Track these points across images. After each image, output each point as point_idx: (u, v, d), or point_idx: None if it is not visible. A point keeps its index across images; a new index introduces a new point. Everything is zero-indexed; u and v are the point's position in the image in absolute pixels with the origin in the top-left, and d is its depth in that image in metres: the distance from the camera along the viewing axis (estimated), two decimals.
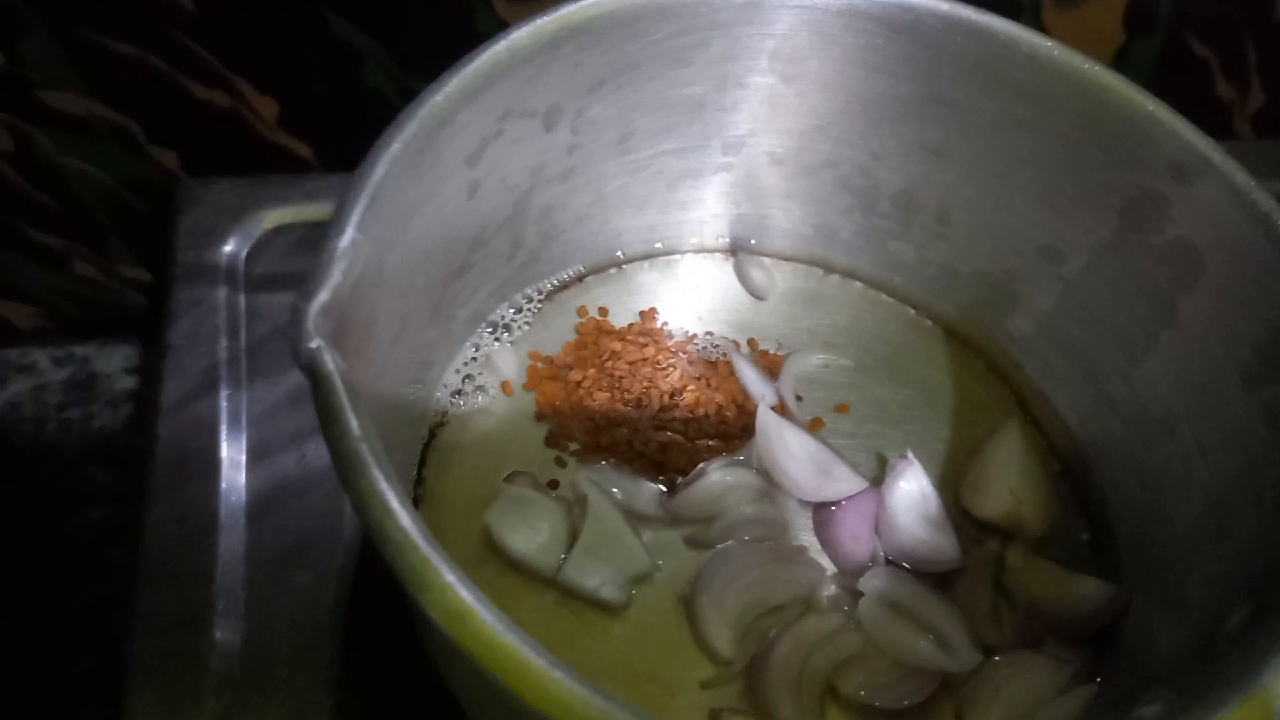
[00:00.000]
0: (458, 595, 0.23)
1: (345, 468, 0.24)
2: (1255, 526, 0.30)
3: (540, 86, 0.35)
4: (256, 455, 0.43)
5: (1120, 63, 0.61)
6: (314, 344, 0.25)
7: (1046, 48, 0.36)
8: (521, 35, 0.33)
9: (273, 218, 0.50)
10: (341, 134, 0.56)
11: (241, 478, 0.42)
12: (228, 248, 0.49)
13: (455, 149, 0.33)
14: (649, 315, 0.44)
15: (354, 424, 0.25)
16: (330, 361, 0.25)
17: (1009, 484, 0.38)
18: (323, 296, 0.27)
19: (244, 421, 0.43)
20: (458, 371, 0.40)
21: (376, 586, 0.39)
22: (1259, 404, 0.32)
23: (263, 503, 0.42)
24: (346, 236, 0.28)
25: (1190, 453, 0.35)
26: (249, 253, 0.49)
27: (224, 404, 0.44)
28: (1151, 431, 0.37)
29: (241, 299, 0.47)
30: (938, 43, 0.37)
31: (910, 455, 0.39)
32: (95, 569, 0.56)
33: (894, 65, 0.38)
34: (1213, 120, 0.66)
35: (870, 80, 0.38)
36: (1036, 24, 0.57)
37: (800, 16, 0.37)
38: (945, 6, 0.36)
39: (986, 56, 0.36)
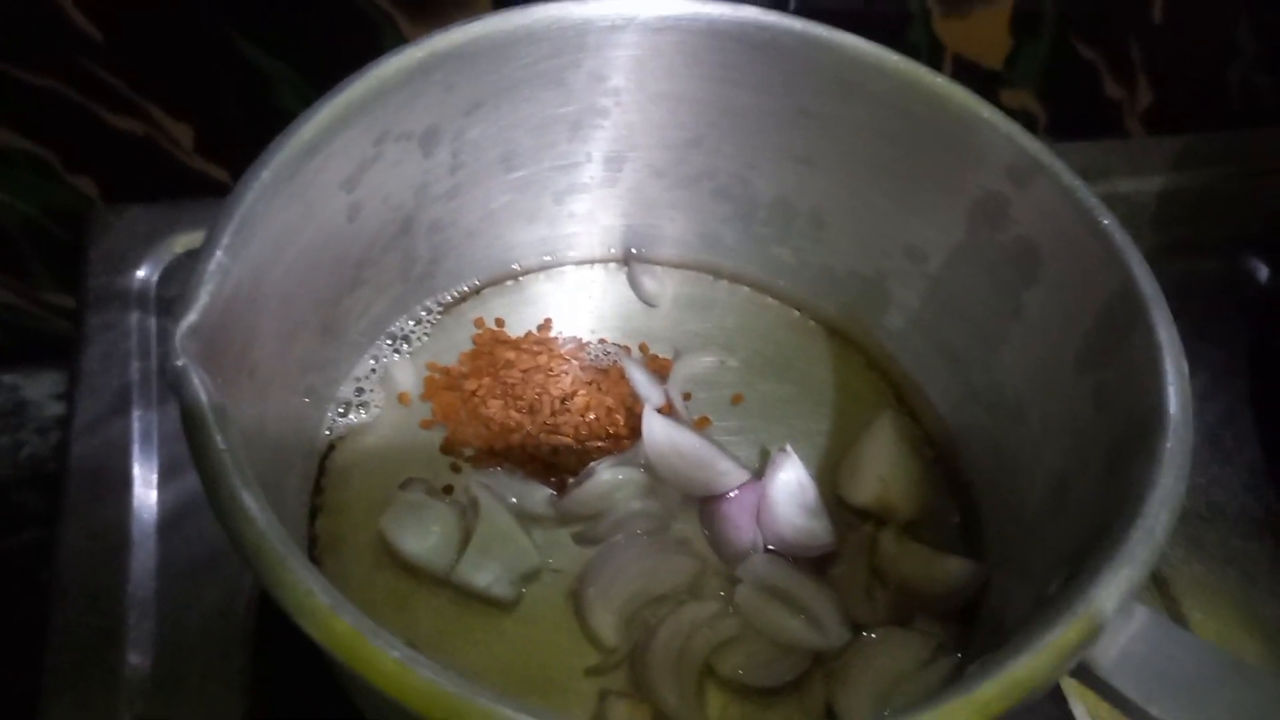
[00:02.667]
0: (310, 593, 0.24)
1: (207, 477, 0.26)
2: (1084, 499, 0.33)
3: (416, 110, 0.37)
4: (168, 473, 0.44)
5: (1011, 67, 0.63)
6: (180, 362, 0.27)
7: (892, 61, 0.38)
8: (390, 64, 0.35)
9: (184, 241, 0.51)
10: (256, 157, 0.57)
11: (153, 495, 0.44)
12: (140, 273, 0.50)
13: (330, 173, 0.34)
14: (546, 327, 0.45)
15: (217, 437, 0.26)
16: (196, 379, 0.27)
17: (880, 472, 0.40)
18: (190, 318, 0.28)
19: (155, 440, 0.45)
20: (356, 384, 0.42)
21: None
22: (1089, 387, 0.34)
23: (174, 518, 0.43)
24: (214, 260, 0.29)
25: (1037, 435, 0.37)
26: (160, 277, 0.50)
27: (136, 424, 0.45)
28: (1006, 416, 0.39)
29: (153, 322, 0.48)
30: (796, 58, 0.39)
31: (789, 448, 0.41)
32: (26, 590, 0.57)
33: (757, 80, 0.40)
34: (1105, 119, 0.69)
35: (736, 95, 0.40)
36: (928, 32, 0.60)
37: (665, 37, 0.39)
38: (798, 25, 0.38)
39: (842, 70, 0.39)
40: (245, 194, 0.31)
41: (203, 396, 0.27)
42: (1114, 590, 0.26)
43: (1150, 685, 0.26)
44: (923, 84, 0.38)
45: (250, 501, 0.25)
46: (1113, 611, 0.26)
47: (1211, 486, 0.49)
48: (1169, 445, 0.29)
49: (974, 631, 0.37)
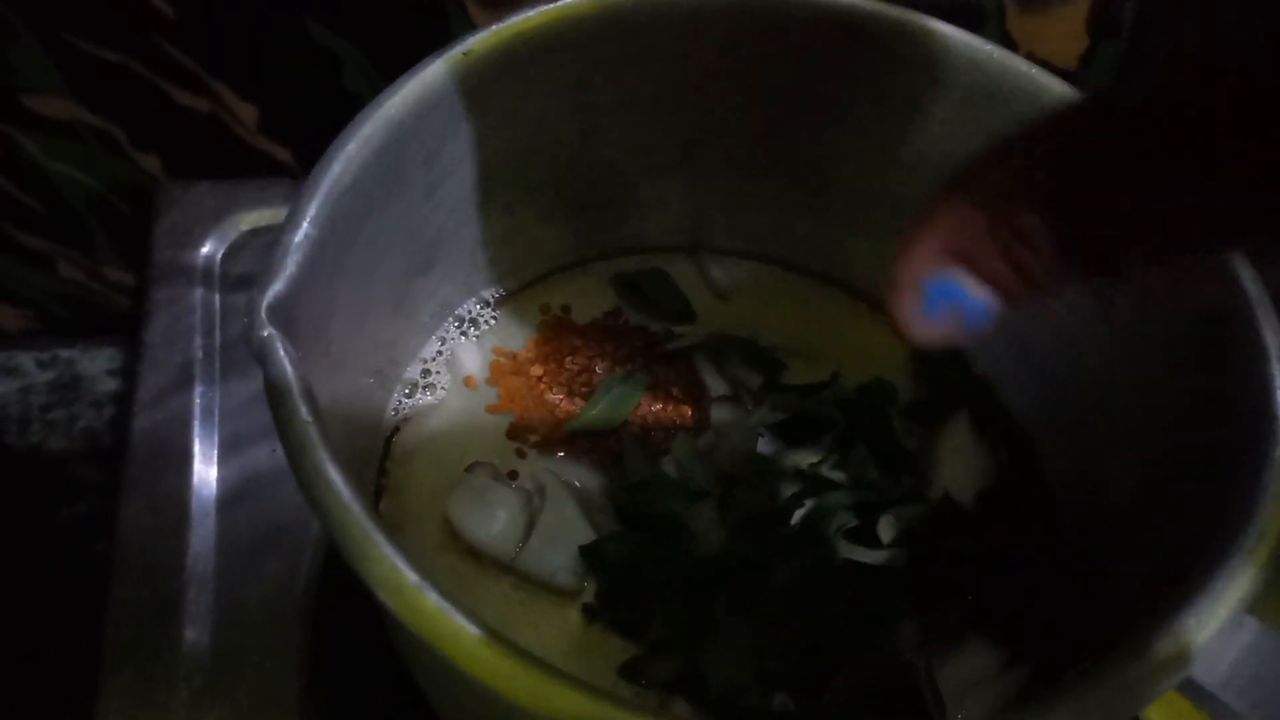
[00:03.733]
0: (395, 568, 0.24)
1: (292, 449, 0.26)
2: (1177, 507, 0.31)
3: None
4: (228, 449, 0.44)
5: (1085, 66, 0.62)
6: (266, 332, 0.27)
7: (986, 51, 0.37)
8: (478, 40, 0.34)
9: (249, 220, 0.51)
10: (321, 138, 0.57)
11: (213, 471, 0.44)
12: (204, 249, 0.50)
13: (413, 150, 0.34)
14: (612, 315, 0.45)
15: (303, 409, 0.26)
16: (281, 349, 0.27)
17: (954, 472, 0.39)
18: (276, 287, 0.28)
19: (217, 416, 0.45)
20: (422, 365, 0.42)
21: (344, 572, 0.40)
22: (1183, 389, 0.33)
23: (234, 494, 0.43)
24: (300, 231, 0.29)
25: (1124, 438, 0.36)
26: (225, 253, 0.50)
27: (198, 400, 0.45)
28: (1091, 419, 0.38)
29: (217, 298, 0.48)
30: (883, 45, 0.38)
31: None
32: (80, 562, 0.57)
33: (842, 67, 0.39)
34: None
35: (819, 82, 0.40)
36: (1001, 30, 0.58)
37: (752, 19, 0.38)
38: (894, 12, 0.37)
39: (932, 59, 0.38)
40: (331, 165, 0.31)
41: (289, 368, 0.26)
42: (1224, 601, 0.25)
43: (1263, 701, 0.25)
44: (1019, 74, 0.37)
45: (335, 475, 0.25)
46: (1219, 626, 0.25)
47: None
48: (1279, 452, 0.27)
49: (1052, 643, 0.36)
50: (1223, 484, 0.29)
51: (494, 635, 0.23)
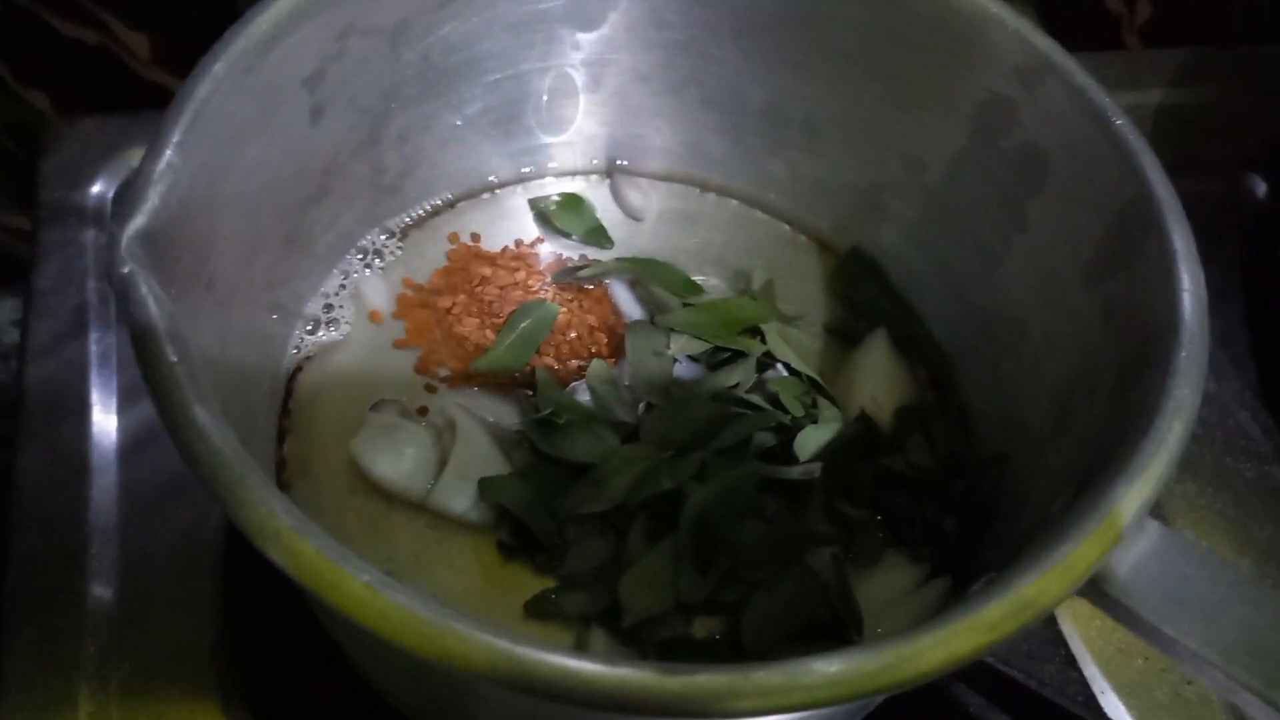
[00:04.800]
0: (272, 513, 0.23)
1: (157, 392, 0.24)
2: (1092, 419, 0.31)
3: (384, 3, 0.34)
4: (128, 397, 0.42)
5: None
6: (126, 269, 0.25)
7: None
8: None
9: (141, 155, 0.48)
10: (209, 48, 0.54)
11: (114, 419, 0.42)
12: (95, 188, 0.47)
13: (290, 69, 0.32)
14: (524, 243, 0.43)
15: (168, 349, 0.24)
16: (143, 285, 0.25)
17: (871, 391, 0.39)
18: (138, 221, 0.26)
19: (114, 362, 0.43)
20: (324, 300, 0.40)
21: None
22: (1098, 300, 0.33)
23: (136, 443, 0.41)
24: (163, 160, 0.27)
25: (1040, 353, 0.35)
26: (116, 192, 0.47)
27: (94, 346, 0.43)
28: (1007, 335, 0.37)
29: None
30: None
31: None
32: None
33: None
34: (1103, 33, 0.66)
35: None
36: None
37: None
38: None
39: None
40: (197, 88, 0.29)
41: (152, 306, 0.25)
42: (1129, 503, 0.25)
43: (1163, 603, 0.25)
44: None
45: (205, 417, 0.24)
46: (1128, 524, 0.24)
47: (1206, 406, 0.48)
48: (1183, 355, 0.27)
49: (971, 558, 0.36)
50: (1130, 395, 0.29)
51: (379, 579, 0.22)
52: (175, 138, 0.28)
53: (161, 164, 0.27)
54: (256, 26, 0.30)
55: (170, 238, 0.27)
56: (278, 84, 0.32)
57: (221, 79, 0.29)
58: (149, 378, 0.24)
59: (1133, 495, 0.25)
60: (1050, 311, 0.35)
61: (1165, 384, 0.27)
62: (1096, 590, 0.25)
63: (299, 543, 0.23)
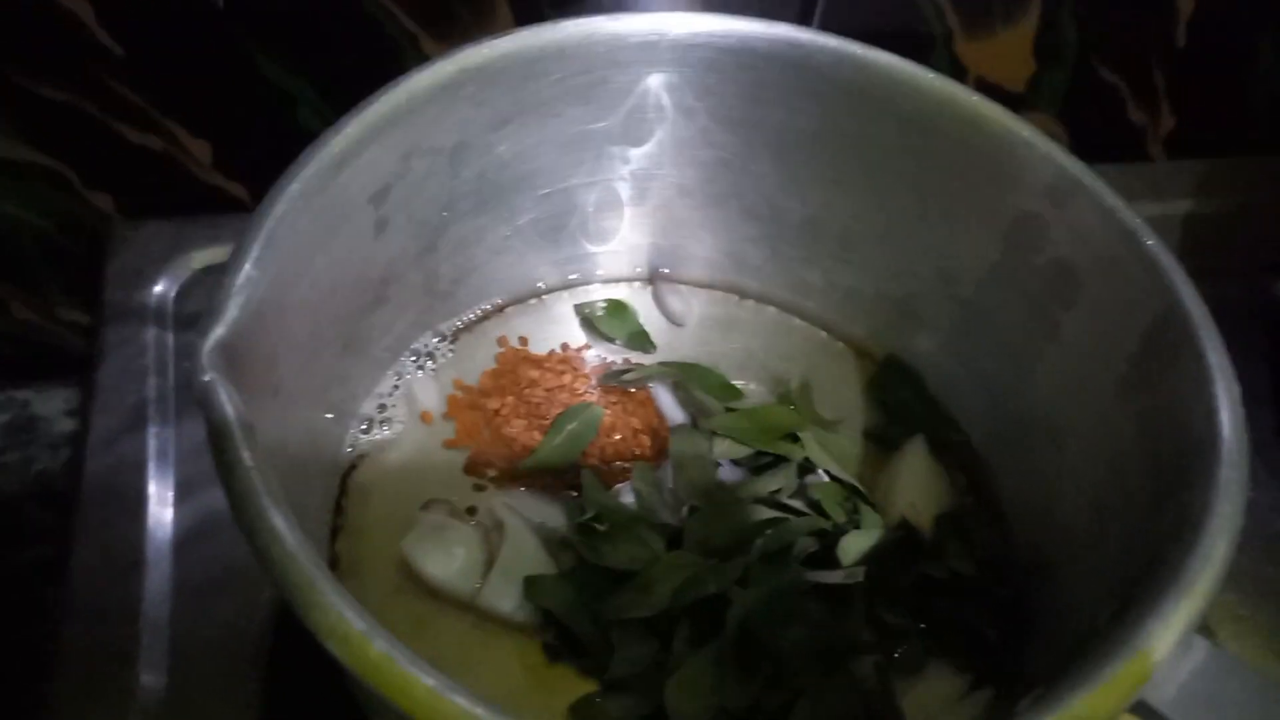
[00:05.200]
0: (342, 617, 0.24)
1: (235, 496, 0.25)
2: (1129, 528, 0.32)
3: (445, 126, 0.36)
4: (184, 491, 0.43)
5: (1033, 91, 0.63)
6: (208, 378, 0.26)
7: (928, 79, 0.37)
8: (420, 79, 0.34)
9: (202, 258, 0.51)
10: (275, 174, 0.57)
11: (169, 513, 0.43)
12: (157, 288, 0.50)
13: (358, 188, 0.34)
14: (570, 347, 0.45)
15: (245, 454, 0.26)
16: (224, 394, 0.26)
17: (911, 496, 0.39)
18: (218, 332, 0.28)
19: (172, 458, 0.44)
20: (378, 400, 0.41)
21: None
22: (1132, 411, 0.33)
23: (190, 537, 0.42)
24: (243, 274, 0.29)
25: (1075, 461, 0.36)
26: (178, 292, 0.50)
27: (152, 441, 0.44)
28: (1043, 442, 0.38)
29: (170, 338, 0.48)
30: (828, 77, 0.38)
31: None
32: (33, 607, 0.56)
33: (788, 98, 0.39)
34: (1127, 144, 0.68)
35: (767, 113, 0.40)
36: (949, 55, 0.59)
37: (695, 54, 0.38)
38: (833, 42, 0.38)
39: (874, 88, 0.38)
40: (274, 207, 0.30)
41: (230, 412, 0.26)
42: (1174, 623, 0.25)
43: None
44: (958, 103, 0.37)
45: (280, 521, 0.25)
46: (1173, 645, 0.25)
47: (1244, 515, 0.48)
48: (1224, 472, 0.28)
49: (1014, 668, 0.36)
50: (1170, 507, 0.29)
51: (444, 683, 0.23)
52: (254, 253, 0.29)
53: (240, 277, 0.29)
54: (329, 149, 0.32)
55: (245, 346, 0.29)
56: (346, 201, 0.34)
57: (296, 198, 0.31)
58: (227, 481, 0.25)
59: (1180, 613, 0.25)
60: (1085, 420, 0.36)
61: (1208, 501, 0.27)
62: (1144, 708, 0.26)
63: (368, 646, 0.23)
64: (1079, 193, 0.35)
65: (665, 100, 0.40)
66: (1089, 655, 0.26)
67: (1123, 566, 0.31)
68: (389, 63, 0.52)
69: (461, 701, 0.23)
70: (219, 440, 0.26)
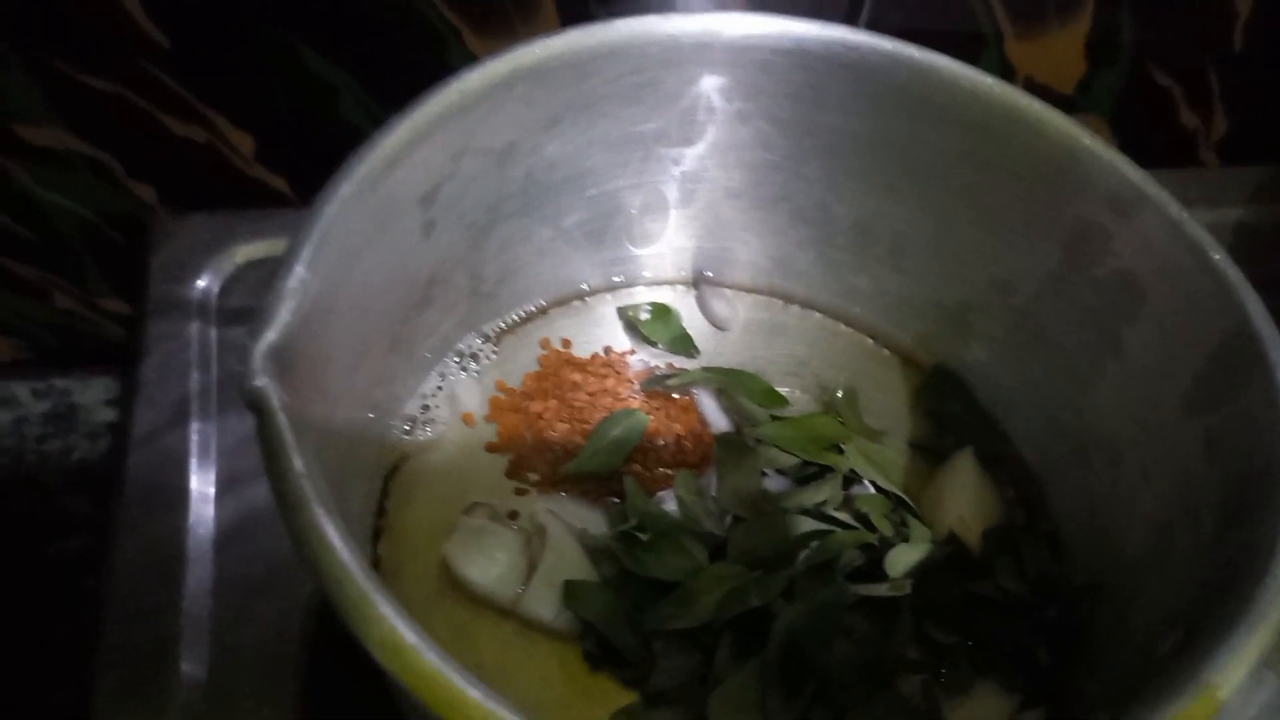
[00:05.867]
0: (393, 629, 0.23)
1: (286, 504, 0.25)
2: (1193, 551, 0.31)
3: (495, 125, 0.36)
4: (226, 487, 0.43)
5: (1084, 93, 0.62)
6: (259, 382, 0.26)
7: (987, 84, 0.36)
8: (472, 78, 0.34)
9: (246, 252, 0.50)
10: (317, 167, 0.56)
11: (210, 509, 0.43)
12: (201, 282, 0.49)
13: (408, 188, 0.34)
14: (614, 350, 0.44)
15: (297, 461, 0.25)
16: (275, 399, 0.26)
17: (960, 510, 0.39)
18: (270, 335, 0.27)
19: (214, 453, 0.44)
20: (422, 401, 0.41)
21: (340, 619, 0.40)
22: (1199, 432, 0.32)
23: (231, 533, 0.42)
24: (295, 276, 0.28)
25: (1135, 481, 0.35)
26: (222, 287, 0.49)
27: (194, 436, 0.44)
28: (1099, 460, 0.37)
29: (213, 333, 0.48)
30: (883, 80, 0.38)
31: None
32: (71, 598, 0.56)
33: (842, 101, 0.39)
34: (1178, 148, 0.67)
35: (820, 116, 0.39)
36: (1000, 56, 0.58)
37: (748, 55, 0.38)
38: (888, 45, 0.37)
39: (930, 93, 0.37)
40: (325, 208, 0.30)
41: (282, 418, 0.26)
42: (1243, 656, 0.24)
43: None
44: (1019, 108, 0.36)
45: (331, 531, 0.24)
46: (1242, 679, 0.24)
47: None
48: None
49: (1065, 689, 0.35)
50: (1239, 532, 0.28)
51: (492, 698, 0.23)
52: (306, 254, 0.29)
53: (293, 280, 0.28)
54: (380, 149, 0.32)
55: (296, 349, 0.28)
56: (395, 202, 0.33)
57: (347, 199, 0.31)
58: (278, 488, 0.25)
59: (1250, 646, 0.24)
60: (1146, 439, 0.35)
61: (1278, 526, 0.26)
62: None
63: (418, 659, 0.23)
64: (1143, 203, 0.34)
65: (716, 102, 0.39)
66: (1152, 686, 0.25)
67: (1186, 592, 0.30)
68: (432, 57, 0.52)
69: (508, 715, 0.23)
70: (271, 446, 0.26)
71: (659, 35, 0.37)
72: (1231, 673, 0.24)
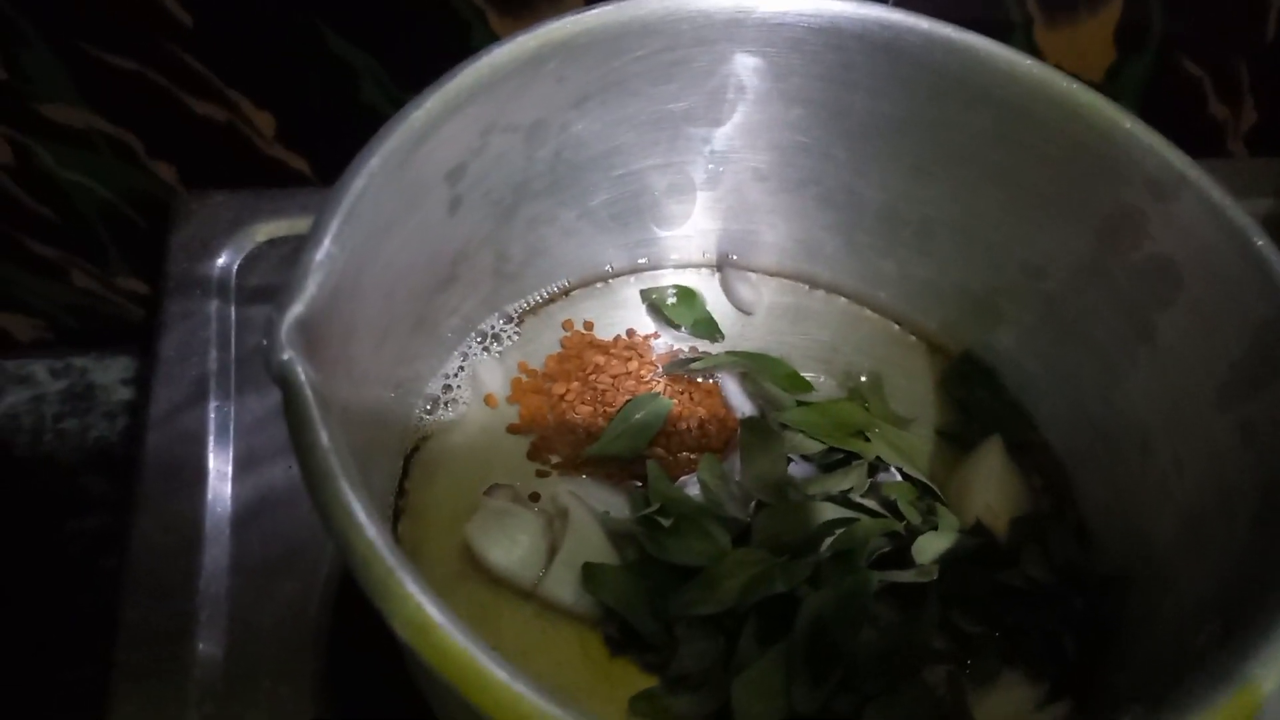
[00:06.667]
0: (420, 607, 0.23)
1: (313, 479, 0.25)
2: (1229, 543, 0.30)
3: (524, 102, 0.35)
4: (244, 466, 0.43)
5: (1112, 81, 0.61)
6: (286, 356, 0.26)
7: (1025, 65, 0.36)
8: (502, 52, 0.33)
9: (266, 231, 0.50)
10: (338, 148, 0.56)
11: (228, 488, 0.43)
12: (220, 260, 0.49)
13: (436, 164, 0.33)
14: (637, 333, 0.44)
15: (323, 435, 0.25)
16: (302, 373, 0.26)
17: (987, 498, 0.38)
18: (296, 309, 0.27)
19: (232, 432, 0.44)
20: (444, 381, 0.41)
21: (360, 596, 0.39)
22: (1235, 421, 0.32)
23: (249, 513, 0.42)
24: (322, 249, 0.28)
25: (1167, 470, 0.35)
26: (241, 265, 0.49)
27: (212, 415, 0.44)
28: (1130, 448, 0.37)
29: (233, 311, 0.47)
30: (917, 60, 0.37)
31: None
32: (89, 577, 0.56)
33: (874, 82, 0.38)
34: (1206, 139, 0.66)
35: (851, 97, 0.39)
36: (1028, 42, 0.57)
37: (781, 34, 0.37)
38: (925, 24, 0.36)
39: (966, 73, 0.37)
40: (354, 182, 0.30)
41: (309, 392, 0.25)
42: None
43: None
44: (1056, 90, 0.36)
45: (358, 507, 0.24)
46: None
47: None
48: None
49: (1093, 680, 0.35)
50: (1276, 521, 0.28)
51: (517, 677, 0.22)
52: (334, 228, 0.28)
53: (320, 254, 0.28)
54: (410, 124, 0.31)
55: (322, 325, 0.28)
56: (424, 178, 0.33)
57: (375, 173, 0.30)
58: (304, 463, 0.25)
59: None
60: (1180, 429, 0.34)
61: None
62: None
63: (444, 638, 0.23)
64: (1184, 187, 0.33)
65: (747, 81, 0.39)
66: (1190, 680, 0.25)
67: (1221, 583, 0.29)
68: (455, 38, 0.51)
69: (535, 698, 0.22)
70: (297, 420, 0.25)
71: (691, 11, 0.36)
72: (1275, 665, 0.23)
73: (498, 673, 0.23)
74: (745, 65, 0.38)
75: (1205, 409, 0.33)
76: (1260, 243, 0.31)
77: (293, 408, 0.25)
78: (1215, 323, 0.33)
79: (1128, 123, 0.34)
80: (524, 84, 0.34)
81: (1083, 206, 0.37)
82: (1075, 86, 0.35)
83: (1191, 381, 0.34)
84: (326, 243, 0.28)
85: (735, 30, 0.37)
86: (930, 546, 0.36)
